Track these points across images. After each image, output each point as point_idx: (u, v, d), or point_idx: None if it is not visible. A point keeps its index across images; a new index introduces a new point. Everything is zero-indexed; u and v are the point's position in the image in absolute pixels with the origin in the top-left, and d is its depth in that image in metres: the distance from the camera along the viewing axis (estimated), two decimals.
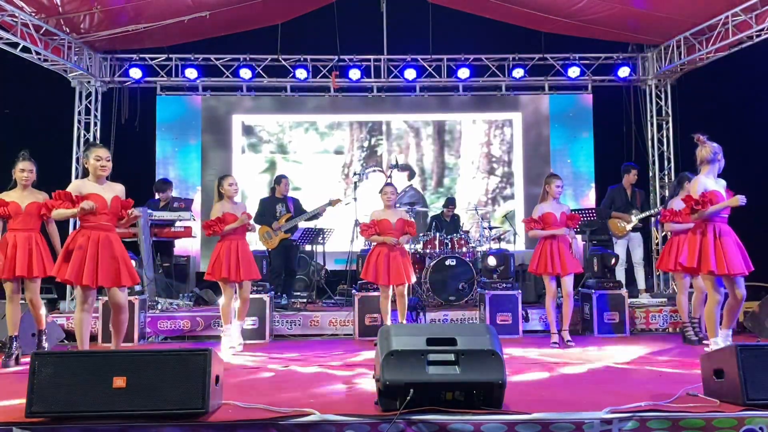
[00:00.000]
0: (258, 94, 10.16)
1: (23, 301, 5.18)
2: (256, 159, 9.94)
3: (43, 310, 5.24)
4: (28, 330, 5.42)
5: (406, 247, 6.48)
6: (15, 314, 5.07)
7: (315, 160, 9.80)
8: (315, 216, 7.69)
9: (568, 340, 5.91)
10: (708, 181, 4.75)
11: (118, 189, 4.52)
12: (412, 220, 6.42)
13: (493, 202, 9.98)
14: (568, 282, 5.90)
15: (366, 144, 9.87)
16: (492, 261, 7.28)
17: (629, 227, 7.68)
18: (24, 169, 5.04)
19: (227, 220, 5.75)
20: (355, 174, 9.28)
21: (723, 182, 4.85)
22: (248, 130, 9.89)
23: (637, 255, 7.82)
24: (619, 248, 7.74)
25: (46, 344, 5.27)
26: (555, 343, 5.91)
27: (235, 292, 5.88)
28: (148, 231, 7.43)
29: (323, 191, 9.23)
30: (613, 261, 7.13)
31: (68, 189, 4.32)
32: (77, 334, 4.37)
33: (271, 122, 9.85)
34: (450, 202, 8.80)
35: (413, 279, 6.11)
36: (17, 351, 5.03)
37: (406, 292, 6.06)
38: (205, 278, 6.04)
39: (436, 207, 9.63)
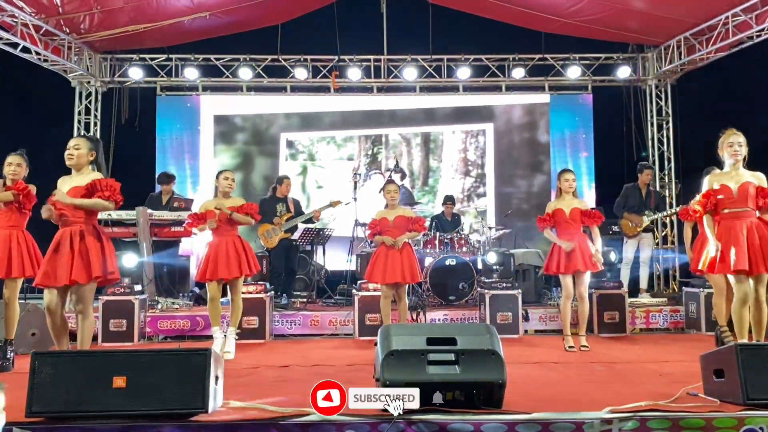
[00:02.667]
0: (258, 93, 10.22)
1: (21, 301, 4.95)
2: (293, 165, 10.96)
3: (15, 318, 4.81)
4: (26, 329, 5.40)
5: None
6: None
7: (334, 166, 10.82)
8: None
9: (583, 346, 5.49)
10: (714, 179, 4.48)
11: (86, 180, 4.16)
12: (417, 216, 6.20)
13: (468, 199, 10.83)
14: (581, 282, 5.45)
15: (370, 152, 10.91)
16: (492, 257, 7.27)
17: (640, 228, 7.68)
18: (11, 163, 4.77)
19: (208, 218, 5.35)
20: (356, 174, 9.34)
21: (761, 175, 4.49)
22: (290, 144, 11.01)
23: (645, 255, 7.83)
24: (629, 247, 7.76)
25: (11, 355, 4.81)
26: (571, 347, 5.49)
27: (226, 294, 5.59)
28: (148, 231, 7.43)
29: (339, 189, 9.92)
30: (612, 258, 7.13)
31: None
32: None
33: (304, 137, 10.97)
34: (449, 199, 8.76)
35: (416, 279, 5.78)
36: (11, 355, 4.79)
37: (404, 293, 5.78)
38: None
39: (422, 202, 10.23)
